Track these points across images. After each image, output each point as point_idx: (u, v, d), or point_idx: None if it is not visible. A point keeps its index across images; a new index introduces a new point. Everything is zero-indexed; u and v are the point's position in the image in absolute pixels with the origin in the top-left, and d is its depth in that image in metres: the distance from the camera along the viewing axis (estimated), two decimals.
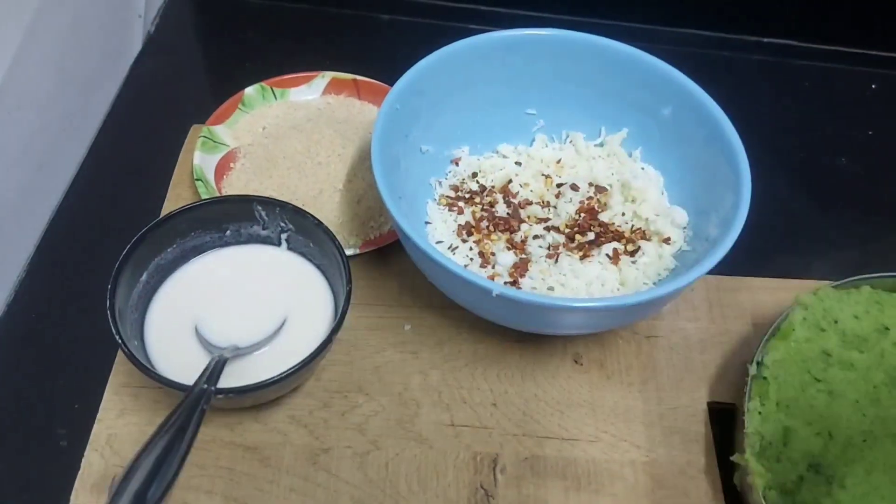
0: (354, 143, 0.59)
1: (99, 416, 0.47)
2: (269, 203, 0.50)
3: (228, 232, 0.52)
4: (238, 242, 0.52)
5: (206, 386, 0.42)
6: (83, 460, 0.45)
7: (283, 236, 0.52)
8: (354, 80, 0.64)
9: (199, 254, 0.51)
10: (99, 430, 0.46)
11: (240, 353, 0.46)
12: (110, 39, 0.64)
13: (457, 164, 0.57)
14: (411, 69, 0.51)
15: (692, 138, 0.53)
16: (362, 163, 0.58)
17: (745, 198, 0.46)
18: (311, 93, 0.64)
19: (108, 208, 0.58)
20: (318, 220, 0.49)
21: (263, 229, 0.52)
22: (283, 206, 0.50)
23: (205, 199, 0.51)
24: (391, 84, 0.62)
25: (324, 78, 0.64)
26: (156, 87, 0.67)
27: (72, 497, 0.44)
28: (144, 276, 0.48)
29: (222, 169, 0.58)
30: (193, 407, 0.40)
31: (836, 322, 0.50)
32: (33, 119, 0.54)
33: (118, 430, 0.47)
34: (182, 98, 0.67)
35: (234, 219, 0.51)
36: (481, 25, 0.73)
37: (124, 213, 0.57)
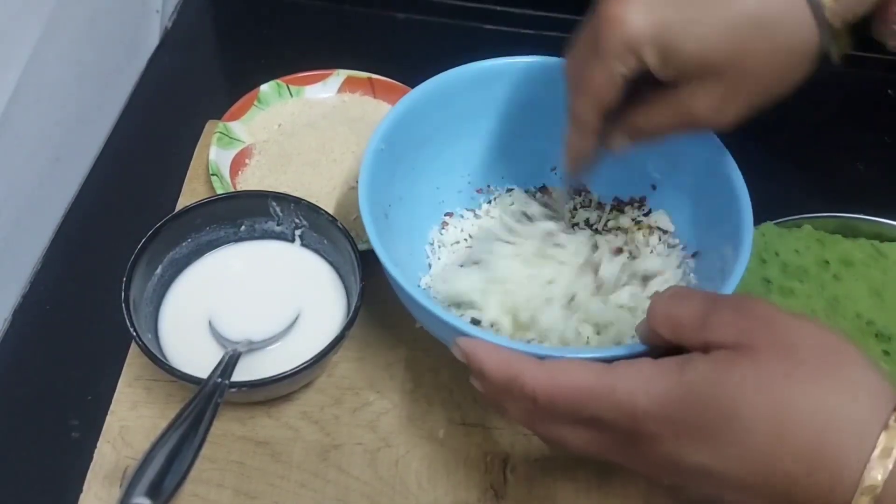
0: (367, 140, 0.59)
1: (112, 408, 0.47)
2: (283, 199, 0.50)
3: (243, 227, 0.52)
4: (252, 238, 0.52)
5: (220, 380, 0.42)
6: (95, 452, 0.45)
7: (297, 232, 0.52)
8: (370, 78, 0.64)
9: (214, 248, 0.51)
10: (111, 422, 0.47)
11: (253, 347, 0.47)
12: (128, 34, 0.65)
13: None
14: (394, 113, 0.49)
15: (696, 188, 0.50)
16: None
17: (746, 249, 0.42)
18: (326, 90, 0.64)
19: (123, 201, 0.59)
20: (332, 216, 0.49)
21: (278, 225, 0.52)
22: (298, 202, 0.50)
23: (220, 194, 0.52)
24: (406, 83, 0.63)
25: (339, 76, 0.64)
26: (172, 82, 0.67)
27: (84, 488, 0.44)
28: (159, 270, 0.49)
29: (237, 165, 0.58)
30: (207, 400, 0.41)
31: (777, 254, 0.51)
32: (51, 112, 0.54)
33: (131, 422, 0.47)
34: (198, 93, 0.67)
35: (248, 214, 0.51)
36: (496, 26, 0.73)
37: (139, 207, 0.57)
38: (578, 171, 0.46)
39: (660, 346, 0.35)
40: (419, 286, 0.50)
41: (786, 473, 0.29)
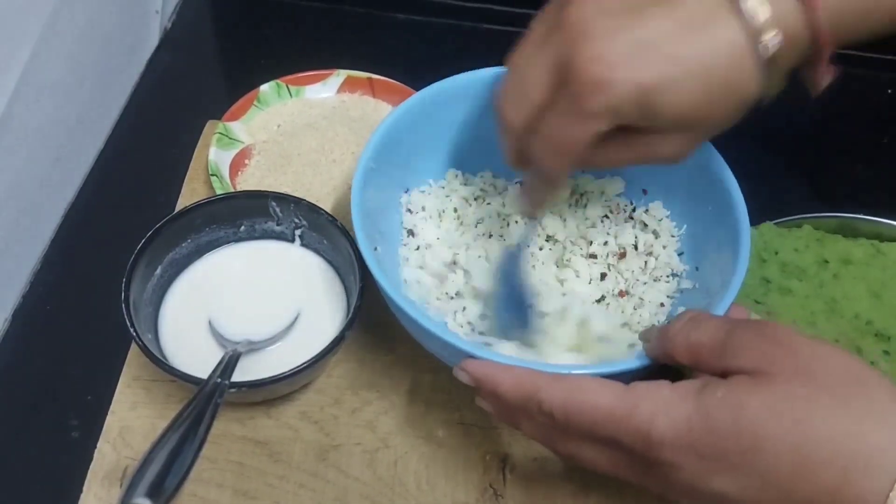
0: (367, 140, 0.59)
1: (111, 408, 0.47)
2: (283, 199, 0.50)
3: (242, 227, 0.52)
4: (252, 238, 0.52)
5: (219, 380, 0.42)
6: (95, 452, 0.46)
7: (297, 232, 0.52)
8: (369, 78, 0.64)
9: (213, 249, 0.51)
10: (111, 423, 0.47)
11: (253, 347, 0.47)
12: (127, 34, 0.65)
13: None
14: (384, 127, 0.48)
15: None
16: None
17: (745, 253, 0.42)
18: (326, 91, 0.64)
19: (123, 202, 0.59)
20: (331, 216, 0.49)
21: (277, 225, 0.52)
22: (298, 202, 0.50)
23: (220, 195, 0.52)
24: (406, 83, 0.63)
25: (339, 76, 0.64)
26: (172, 82, 0.67)
27: (84, 488, 0.44)
28: (159, 270, 0.49)
29: (237, 165, 0.58)
30: (208, 400, 0.41)
31: (776, 253, 0.52)
32: (51, 112, 0.54)
33: (130, 422, 0.47)
34: (198, 93, 0.67)
35: (248, 214, 0.51)
36: (495, 25, 0.73)
37: (139, 207, 0.57)
38: (538, 213, 0.46)
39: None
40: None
41: (807, 501, 0.29)
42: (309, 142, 0.59)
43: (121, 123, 0.63)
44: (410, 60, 0.68)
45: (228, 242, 0.52)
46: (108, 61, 0.61)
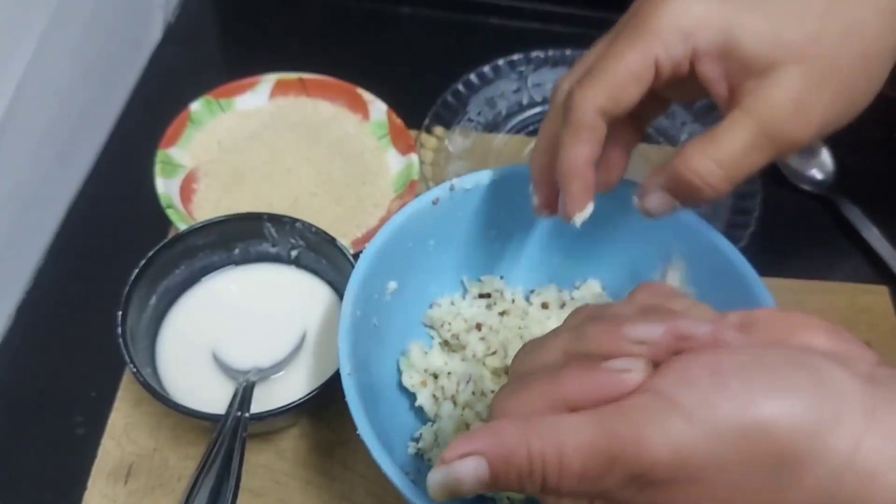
0: (318, 144, 0.57)
1: (116, 405, 0.47)
2: (279, 220, 0.49)
3: (237, 251, 0.50)
4: (247, 261, 0.51)
5: (239, 413, 0.42)
6: (99, 448, 0.45)
7: (294, 253, 0.50)
8: (300, 78, 0.61)
9: (207, 274, 0.50)
10: (115, 419, 0.47)
11: (264, 374, 0.46)
12: (130, 29, 0.64)
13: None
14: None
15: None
16: (332, 162, 0.56)
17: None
18: (257, 99, 0.60)
19: (126, 197, 0.58)
20: (330, 236, 0.48)
21: (273, 247, 0.50)
22: (294, 222, 0.48)
23: (213, 219, 0.49)
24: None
25: (267, 82, 0.61)
26: (175, 77, 0.67)
27: (88, 484, 0.44)
28: (153, 300, 0.47)
29: (187, 191, 0.55)
30: (233, 437, 0.40)
31: None
32: (55, 107, 0.54)
33: (134, 418, 0.47)
34: (201, 88, 0.67)
35: (242, 237, 0.50)
36: (502, 20, 0.73)
37: (143, 203, 0.57)
38: (566, 208, 0.35)
39: None
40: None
41: None
42: (257, 154, 0.56)
43: (124, 118, 0.63)
44: (417, 55, 0.68)
45: (222, 267, 0.50)
46: (110, 56, 0.61)
